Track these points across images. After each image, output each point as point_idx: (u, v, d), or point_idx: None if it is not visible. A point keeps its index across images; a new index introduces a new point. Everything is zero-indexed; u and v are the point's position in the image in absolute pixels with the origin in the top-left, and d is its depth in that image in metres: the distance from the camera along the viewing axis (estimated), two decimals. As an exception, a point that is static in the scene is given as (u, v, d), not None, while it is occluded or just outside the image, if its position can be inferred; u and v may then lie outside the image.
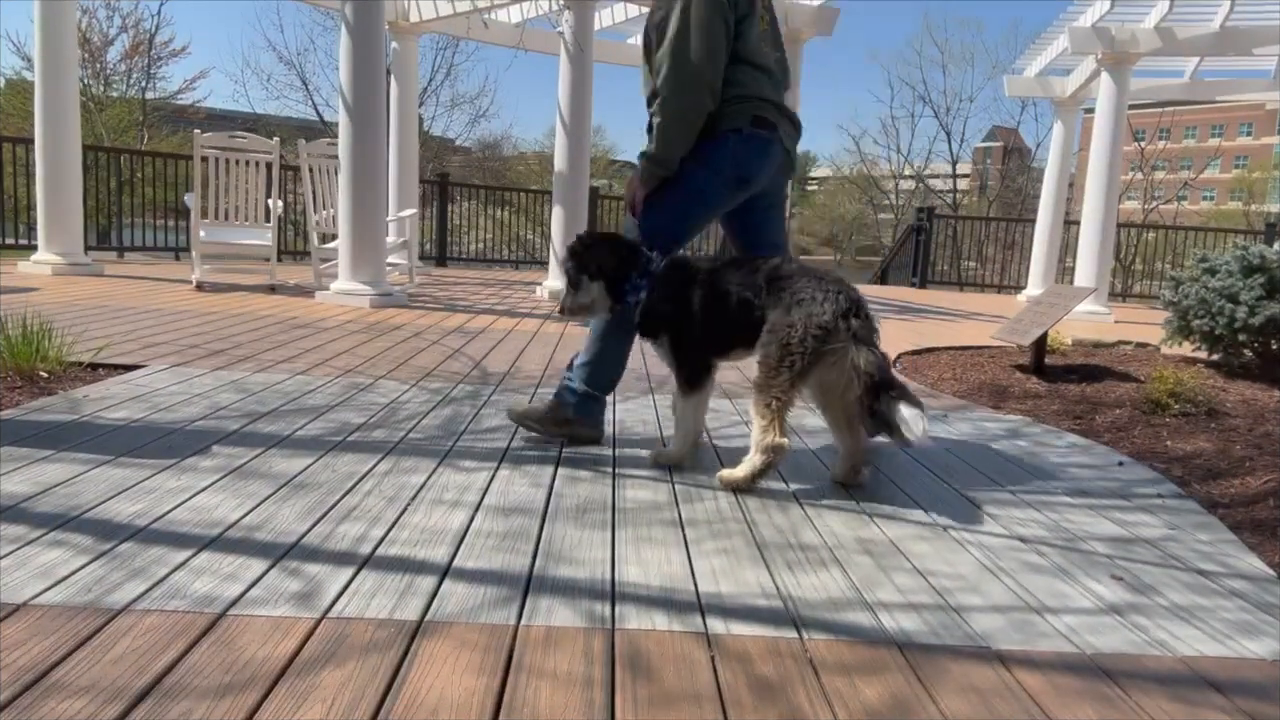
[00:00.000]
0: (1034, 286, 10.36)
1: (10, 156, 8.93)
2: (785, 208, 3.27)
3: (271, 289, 7.02)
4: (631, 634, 1.61)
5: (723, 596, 1.80)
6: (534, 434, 2.94)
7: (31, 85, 8.60)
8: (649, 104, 2.84)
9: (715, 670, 1.50)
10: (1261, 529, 2.45)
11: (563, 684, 1.43)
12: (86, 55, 23.08)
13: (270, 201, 7.23)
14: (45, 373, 3.35)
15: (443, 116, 24.06)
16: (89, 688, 1.33)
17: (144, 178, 10.90)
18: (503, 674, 1.45)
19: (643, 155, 2.82)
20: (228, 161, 7.03)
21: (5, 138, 9.31)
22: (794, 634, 1.65)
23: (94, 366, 3.57)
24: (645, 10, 9.58)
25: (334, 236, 7.12)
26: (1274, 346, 4.86)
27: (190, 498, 2.16)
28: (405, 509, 2.19)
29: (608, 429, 3.13)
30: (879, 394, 2.47)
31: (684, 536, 2.13)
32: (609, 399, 3.04)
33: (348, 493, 2.28)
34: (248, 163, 7.13)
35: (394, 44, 9.31)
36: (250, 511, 2.09)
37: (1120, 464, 3.10)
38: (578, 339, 4.76)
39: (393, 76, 9.28)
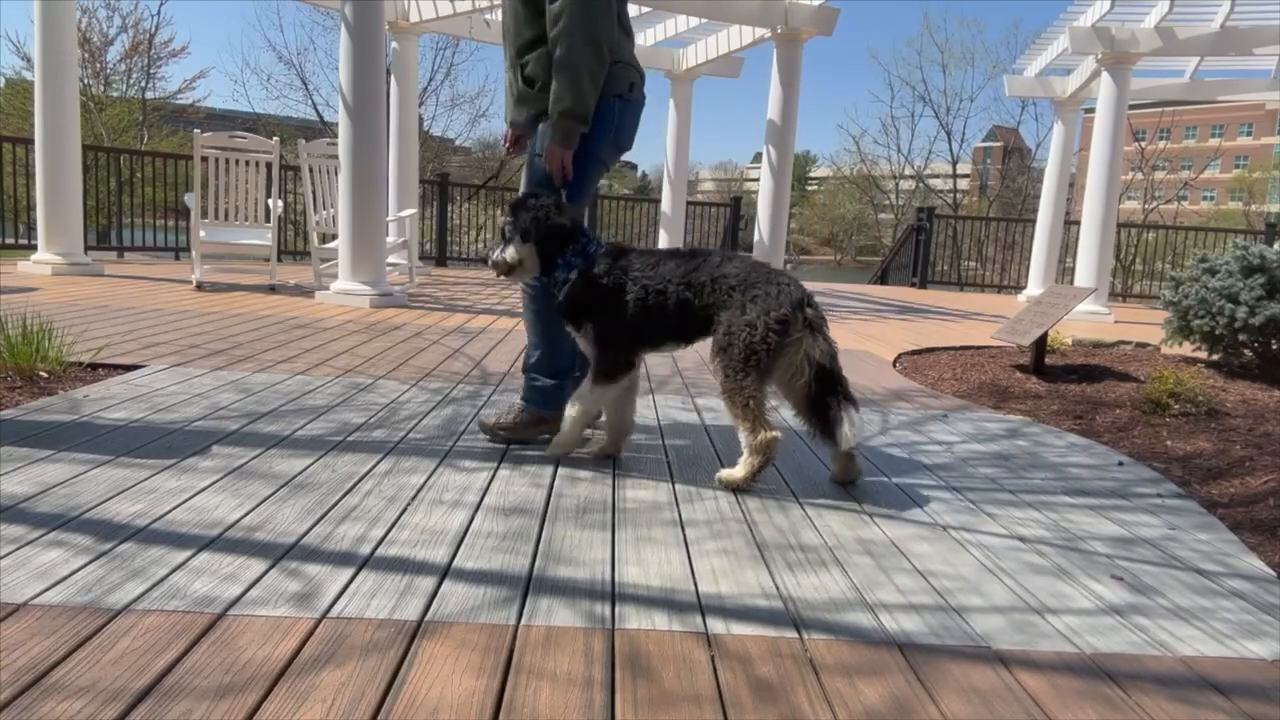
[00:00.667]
0: (1034, 286, 10.37)
1: (10, 156, 8.93)
2: None
3: (271, 289, 7.01)
4: (631, 634, 1.61)
5: (723, 597, 1.80)
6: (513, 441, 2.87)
7: (31, 85, 8.60)
8: (522, 53, 2.77)
9: (715, 671, 1.50)
10: (1261, 529, 2.45)
11: (563, 684, 1.43)
12: (86, 55, 23.08)
13: (270, 201, 7.22)
14: (45, 373, 3.35)
15: (443, 116, 24.10)
16: (89, 688, 1.33)
17: (144, 178, 10.90)
18: (503, 674, 1.45)
19: (561, 114, 2.65)
20: (228, 161, 7.03)
21: (5, 138, 9.31)
22: (794, 634, 1.65)
23: (94, 366, 3.57)
24: (646, 11, 9.60)
25: (334, 236, 7.12)
26: (1274, 346, 4.86)
27: (190, 498, 2.16)
28: (405, 509, 2.19)
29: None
30: (827, 384, 2.51)
31: (684, 536, 2.13)
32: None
33: (347, 493, 2.28)
34: (248, 163, 7.13)
35: (394, 44, 9.31)
36: (250, 512, 2.09)
37: (1120, 464, 3.10)
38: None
39: (393, 76, 9.27)
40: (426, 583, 1.77)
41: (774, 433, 2.48)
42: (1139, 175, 30.95)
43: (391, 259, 7.43)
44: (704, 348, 2.61)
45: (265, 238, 7.14)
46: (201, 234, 6.84)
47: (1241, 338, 4.81)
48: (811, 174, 61.77)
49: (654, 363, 4.63)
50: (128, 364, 3.68)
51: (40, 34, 6.95)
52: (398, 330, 5.24)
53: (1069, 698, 1.48)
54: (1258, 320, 4.68)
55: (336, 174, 6.81)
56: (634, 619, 1.67)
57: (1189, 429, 3.65)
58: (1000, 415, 3.85)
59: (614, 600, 1.75)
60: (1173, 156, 35.80)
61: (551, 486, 2.46)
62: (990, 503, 2.55)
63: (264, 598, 1.65)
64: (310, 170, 7.32)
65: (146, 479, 2.28)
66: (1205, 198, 50.38)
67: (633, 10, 10.27)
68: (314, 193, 7.39)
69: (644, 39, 10.95)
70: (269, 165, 7.34)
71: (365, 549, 1.92)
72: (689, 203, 12.75)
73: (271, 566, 1.79)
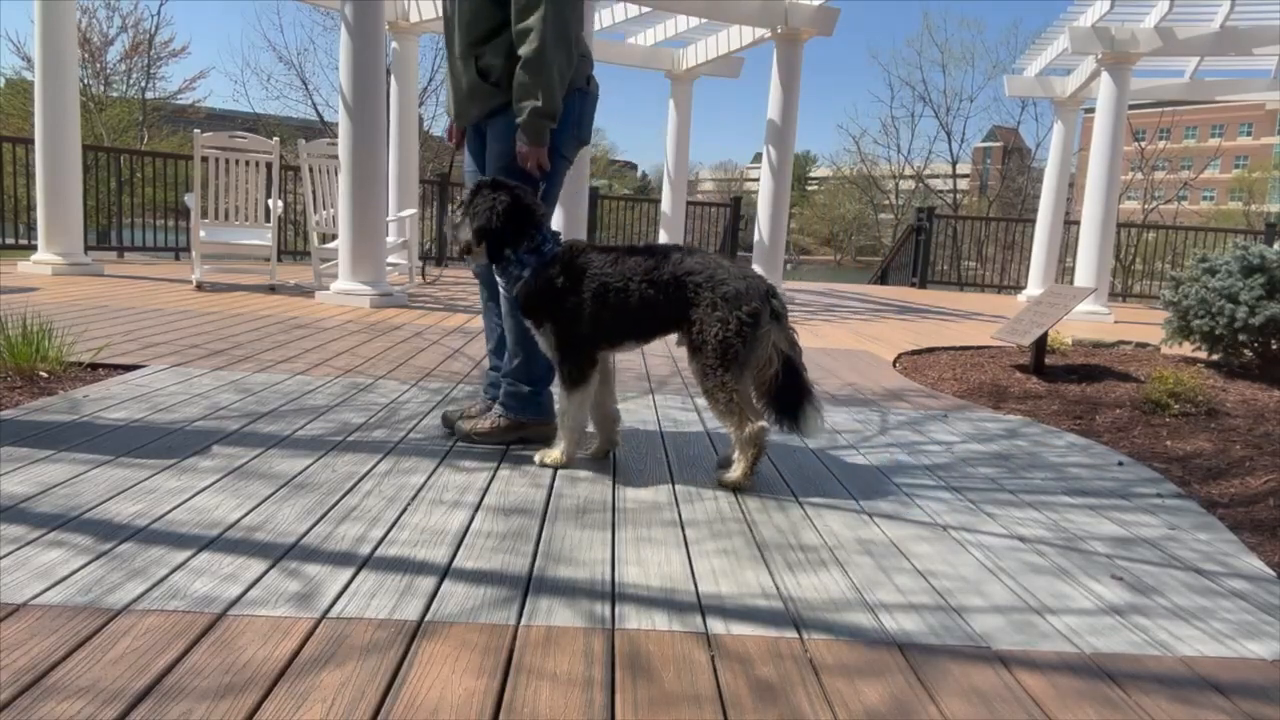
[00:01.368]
0: (1034, 286, 10.37)
1: (10, 156, 8.93)
2: None
3: (271, 289, 7.01)
4: (631, 634, 1.61)
5: (723, 597, 1.80)
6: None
7: (31, 85, 8.60)
8: (477, 45, 2.71)
9: (715, 671, 1.50)
10: (1261, 529, 2.45)
11: (563, 685, 1.43)
12: (86, 55, 23.10)
13: (270, 201, 7.22)
14: (45, 373, 3.35)
15: (443, 116, 24.07)
16: (88, 688, 1.33)
17: (144, 178, 10.90)
18: (502, 675, 1.45)
19: (532, 112, 2.60)
20: (228, 161, 7.03)
21: (5, 138, 9.30)
22: (794, 634, 1.65)
23: (94, 366, 3.57)
24: (646, 11, 9.60)
25: (334, 236, 7.12)
26: (1274, 346, 4.86)
27: (190, 498, 2.16)
28: (405, 509, 2.19)
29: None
30: (791, 374, 2.53)
31: (684, 536, 2.13)
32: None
33: (347, 493, 2.28)
34: (248, 163, 7.12)
35: (394, 44, 9.30)
36: (250, 512, 2.09)
37: (1120, 464, 3.10)
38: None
39: (393, 76, 9.27)
40: (426, 583, 1.77)
41: (761, 423, 2.51)
42: (1139, 175, 30.95)
43: (391, 259, 7.43)
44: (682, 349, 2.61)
45: (265, 238, 7.14)
46: (201, 234, 6.83)
47: (1241, 338, 4.81)
48: (811, 174, 61.75)
49: (654, 363, 4.63)
50: (128, 364, 3.68)
51: (40, 34, 6.95)
52: (398, 330, 5.24)
53: (1069, 698, 1.48)
54: (1258, 320, 4.68)
55: (336, 174, 6.81)
56: (634, 619, 1.67)
57: (1189, 429, 3.65)
58: (1000, 415, 3.85)
59: (614, 600, 1.75)
60: (1173, 156, 35.80)
61: (551, 486, 2.46)
62: (990, 503, 2.55)
63: (264, 598, 1.65)
64: (310, 170, 7.32)
65: (146, 479, 2.28)
66: (1205, 198, 50.38)
67: (633, 10, 10.27)
68: (314, 193, 7.39)
69: (644, 39, 10.95)
70: (269, 165, 7.34)
71: (365, 549, 1.92)
72: (689, 203, 12.75)
73: (271, 566, 1.79)
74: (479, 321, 5.88)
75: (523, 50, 2.60)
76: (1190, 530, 2.41)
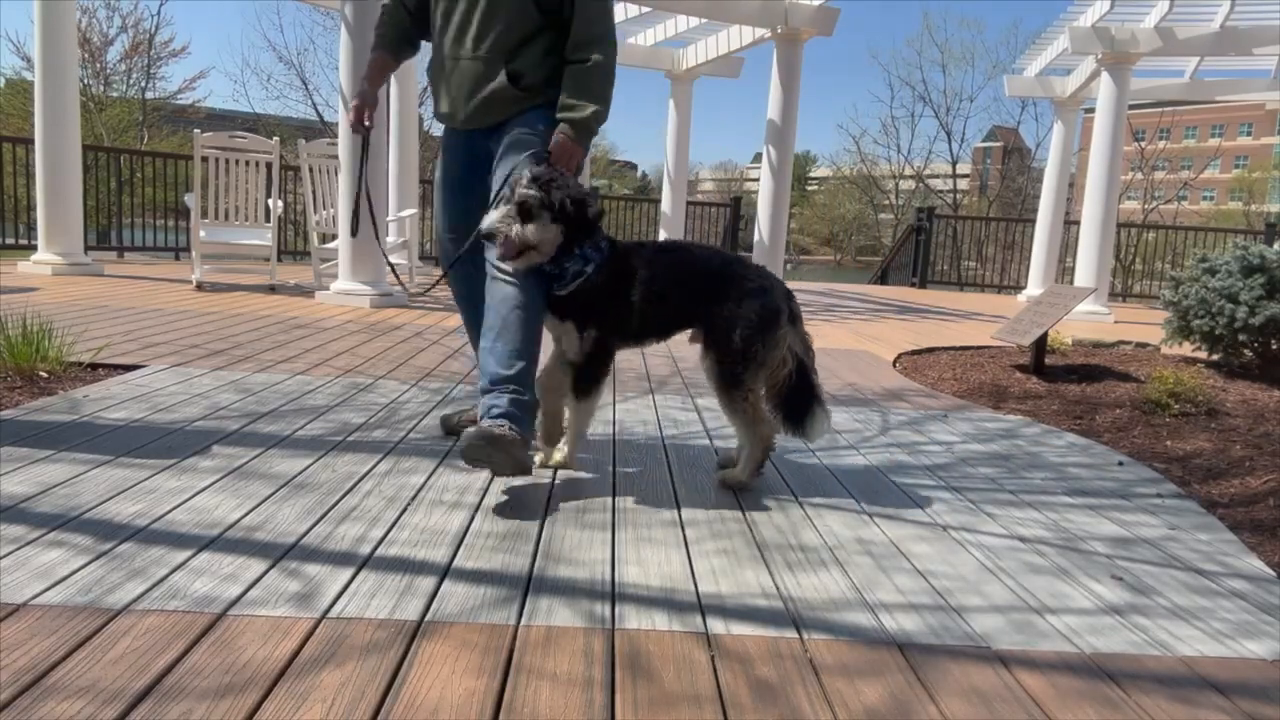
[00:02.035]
0: (1034, 286, 10.36)
1: (10, 156, 8.93)
2: None
3: (271, 289, 7.01)
4: (631, 634, 1.61)
5: (723, 597, 1.80)
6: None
7: (31, 85, 8.60)
8: (515, 48, 2.59)
9: (715, 671, 1.50)
10: (1261, 529, 2.45)
11: (563, 685, 1.43)
12: (86, 55, 23.10)
13: (270, 201, 7.22)
14: (45, 373, 3.35)
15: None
16: (88, 688, 1.33)
17: (144, 178, 10.89)
18: (502, 675, 1.45)
19: (595, 117, 2.55)
20: (228, 161, 7.02)
21: (5, 138, 9.30)
22: (794, 634, 1.65)
23: (94, 366, 3.57)
24: (646, 11, 9.60)
25: (334, 236, 7.11)
26: (1274, 346, 4.86)
27: (190, 498, 2.16)
28: (405, 509, 2.19)
29: (606, 429, 3.14)
30: (803, 376, 2.52)
31: (684, 536, 2.13)
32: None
33: (347, 493, 2.28)
34: (248, 163, 7.12)
35: (394, 44, 9.29)
36: (250, 512, 2.09)
37: (1120, 464, 3.10)
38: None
39: (393, 76, 9.27)
40: (426, 583, 1.77)
41: (769, 426, 2.50)
42: (1139, 175, 30.96)
43: (391, 259, 7.43)
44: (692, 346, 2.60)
45: (265, 238, 7.14)
46: (201, 234, 6.83)
47: (1241, 338, 4.81)
48: (811, 174, 61.73)
49: (654, 363, 4.63)
50: (128, 364, 3.68)
51: (40, 34, 6.95)
52: (398, 330, 5.24)
53: (1069, 698, 1.48)
54: (1258, 320, 4.68)
55: (336, 174, 6.80)
56: (634, 619, 1.67)
57: (1189, 429, 3.65)
58: (1000, 415, 3.85)
59: (614, 600, 1.75)
60: (1173, 156, 35.80)
61: (551, 487, 2.46)
62: (990, 503, 2.55)
63: (264, 598, 1.65)
64: (310, 170, 7.31)
65: (146, 479, 2.28)
66: (1205, 198, 50.38)
67: (633, 10, 10.28)
68: (314, 193, 7.39)
69: (644, 39, 10.95)
70: (269, 165, 7.34)
71: (365, 549, 1.92)
72: (689, 203, 12.75)
73: (271, 566, 1.79)
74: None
75: (596, 55, 2.57)
76: (1190, 530, 2.41)
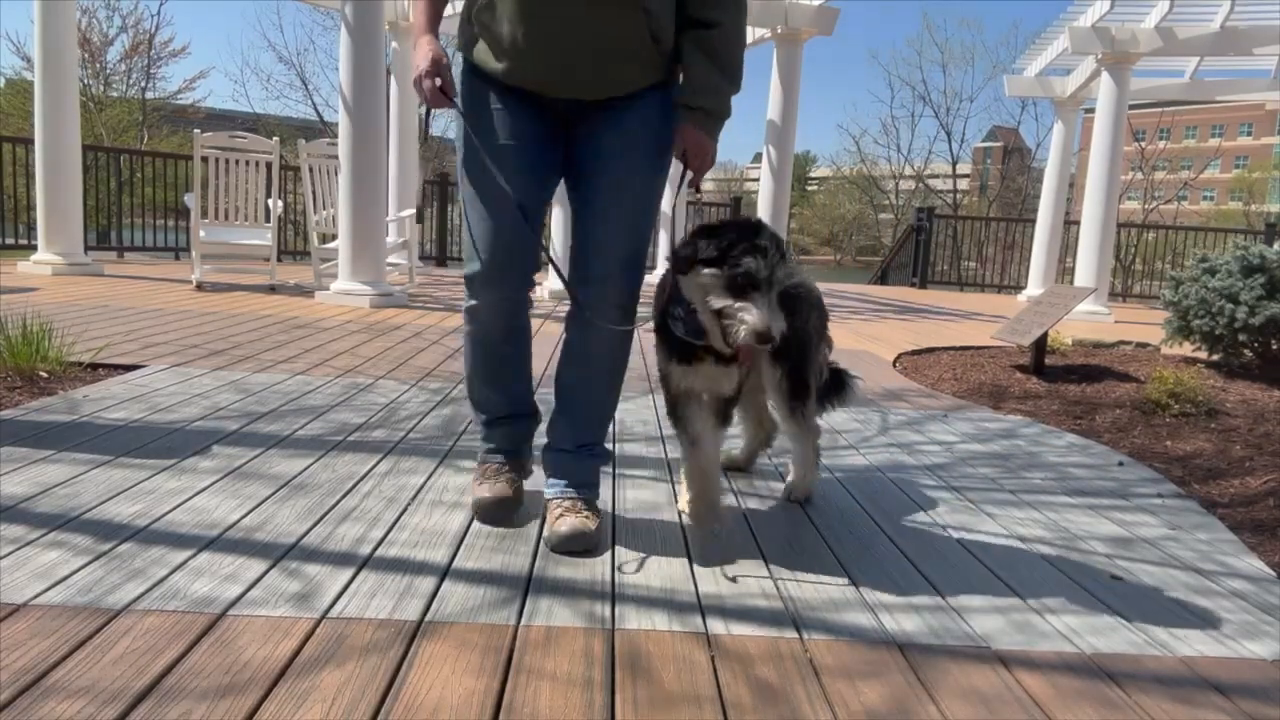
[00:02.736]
0: (1034, 286, 10.36)
1: (10, 156, 8.93)
2: None
3: (271, 289, 7.01)
4: (631, 634, 1.61)
5: (723, 597, 1.80)
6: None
7: (31, 85, 8.60)
8: None
9: (715, 671, 1.50)
10: (1261, 529, 2.45)
11: (562, 685, 1.43)
12: (86, 55, 23.10)
13: (270, 201, 7.22)
14: (45, 373, 3.35)
15: (443, 116, 24.11)
16: (88, 688, 1.32)
17: (144, 178, 10.90)
18: (502, 675, 1.45)
19: (728, 101, 2.01)
20: (228, 161, 7.02)
21: (5, 138, 9.31)
22: (794, 634, 1.65)
23: (94, 366, 3.57)
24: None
25: (334, 236, 7.11)
26: (1274, 346, 4.86)
27: (190, 498, 2.16)
28: (405, 510, 2.19)
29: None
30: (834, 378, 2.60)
31: (684, 536, 2.13)
32: None
33: (347, 493, 2.28)
34: (248, 163, 7.12)
35: (394, 44, 9.31)
36: (250, 512, 2.09)
37: (1120, 464, 3.10)
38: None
39: (393, 76, 9.27)
40: (426, 583, 1.77)
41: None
42: (1139, 175, 30.95)
43: (391, 259, 7.43)
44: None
45: (265, 238, 7.14)
46: (201, 234, 6.83)
47: (1241, 338, 4.81)
48: (811, 174, 61.74)
49: (654, 362, 4.63)
50: (128, 364, 3.67)
51: (40, 34, 6.95)
52: (398, 330, 5.24)
53: (1069, 698, 1.48)
54: (1258, 320, 4.68)
55: (336, 174, 6.80)
56: (634, 619, 1.67)
57: (1189, 429, 3.65)
58: (1000, 415, 3.85)
59: (614, 600, 1.75)
60: (1173, 156, 35.80)
61: (551, 487, 2.46)
62: (990, 503, 2.55)
63: (264, 598, 1.65)
64: (310, 170, 7.31)
65: (146, 479, 2.28)
66: (1205, 198, 50.37)
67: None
68: (314, 193, 7.39)
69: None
70: (269, 165, 7.33)
71: (365, 549, 1.92)
72: (689, 203, 12.70)
73: (271, 567, 1.79)
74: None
75: (730, 15, 1.97)
76: (1190, 530, 2.41)
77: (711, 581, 1.87)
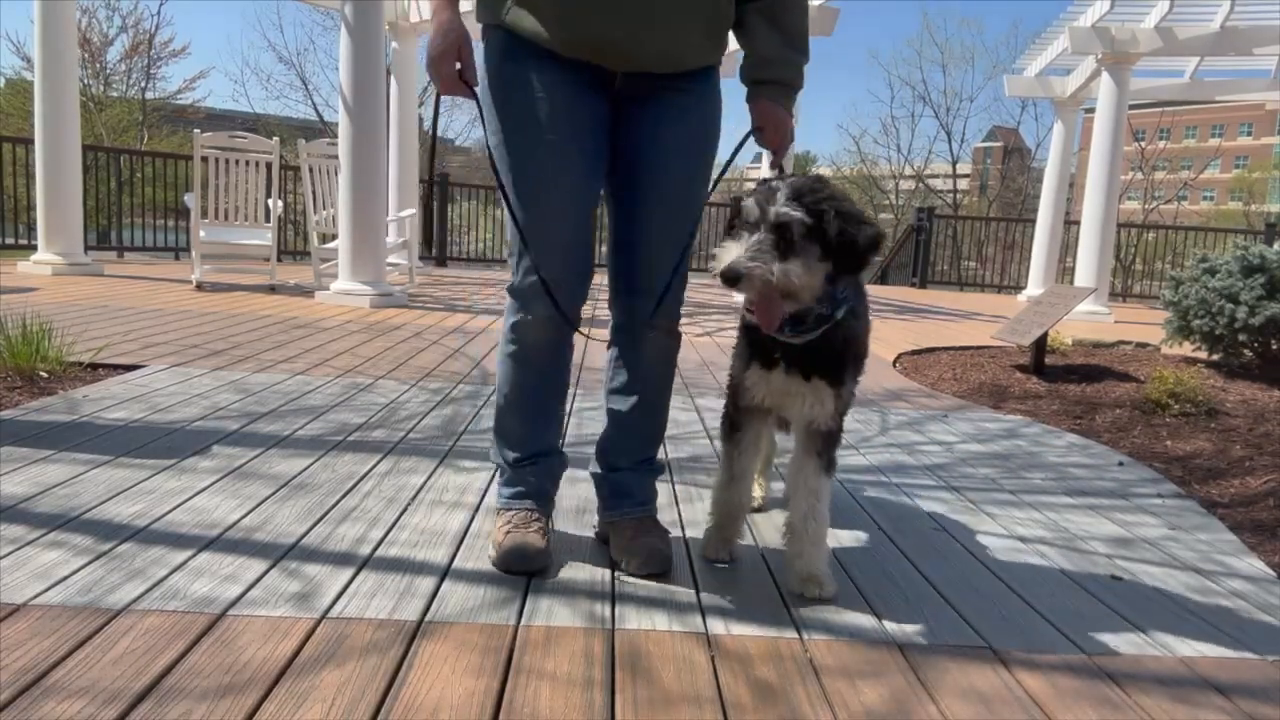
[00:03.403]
0: (1034, 286, 10.36)
1: (10, 156, 8.93)
2: None
3: (271, 289, 7.01)
4: (631, 634, 1.61)
5: (723, 597, 1.80)
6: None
7: (31, 85, 8.60)
8: None
9: (715, 671, 1.50)
10: (1261, 529, 2.45)
11: (562, 685, 1.43)
12: (86, 55, 23.09)
13: (270, 201, 7.22)
14: (45, 373, 3.35)
15: (443, 116, 24.08)
16: (88, 688, 1.32)
17: (144, 178, 10.90)
18: (502, 675, 1.44)
19: (799, 64, 1.88)
20: (228, 161, 7.02)
21: (5, 138, 9.30)
22: (794, 635, 1.65)
23: (94, 366, 3.57)
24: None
25: (334, 236, 7.11)
26: (1274, 346, 4.86)
27: (189, 498, 2.16)
28: (405, 510, 2.19)
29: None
30: None
31: (684, 536, 2.12)
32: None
33: (347, 493, 2.28)
34: (248, 163, 7.12)
35: (394, 44, 9.31)
36: (250, 512, 2.09)
37: (1120, 464, 3.10)
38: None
39: (393, 76, 9.27)
40: (426, 583, 1.77)
41: None
42: (1139, 175, 30.95)
43: (391, 259, 7.43)
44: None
45: (265, 238, 7.14)
46: (201, 234, 6.83)
47: (1241, 338, 4.81)
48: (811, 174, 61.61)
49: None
50: (127, 364, 3.67)
51: (40, 34, 6.95)
52: (398, 330, 5.24)
53: (1069, 698, 1.48)
54: (1258, 320, 4.68)
55: (336, 174, 6.80)
56: (634, 619, 1.67)
57: (1189, 429, 3.64)
58: (1000, 415, 3.85)
59: (614, 600, 1.75)
60: (1173, 156, 35.79)
61: (551, 487, 2.46)
62: (990, 503, 2.55)
63: (264, 598, 1.65)
64: (310, 170, 7.31)
65: (146, 479, 2.28)
66: (1205, 198, 50.37)
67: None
68: (314, 193, 7.38)
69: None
70: (269, 165, 7.33)
71: (365, 549, 1.92)
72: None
73: (271, 567, 1.79)
74: (479, 321, 5.88)
75: None
76: (1190, 530, 2.41)
77: (711, 581, 1.87)
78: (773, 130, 1.87)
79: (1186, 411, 3.86)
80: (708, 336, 5.68)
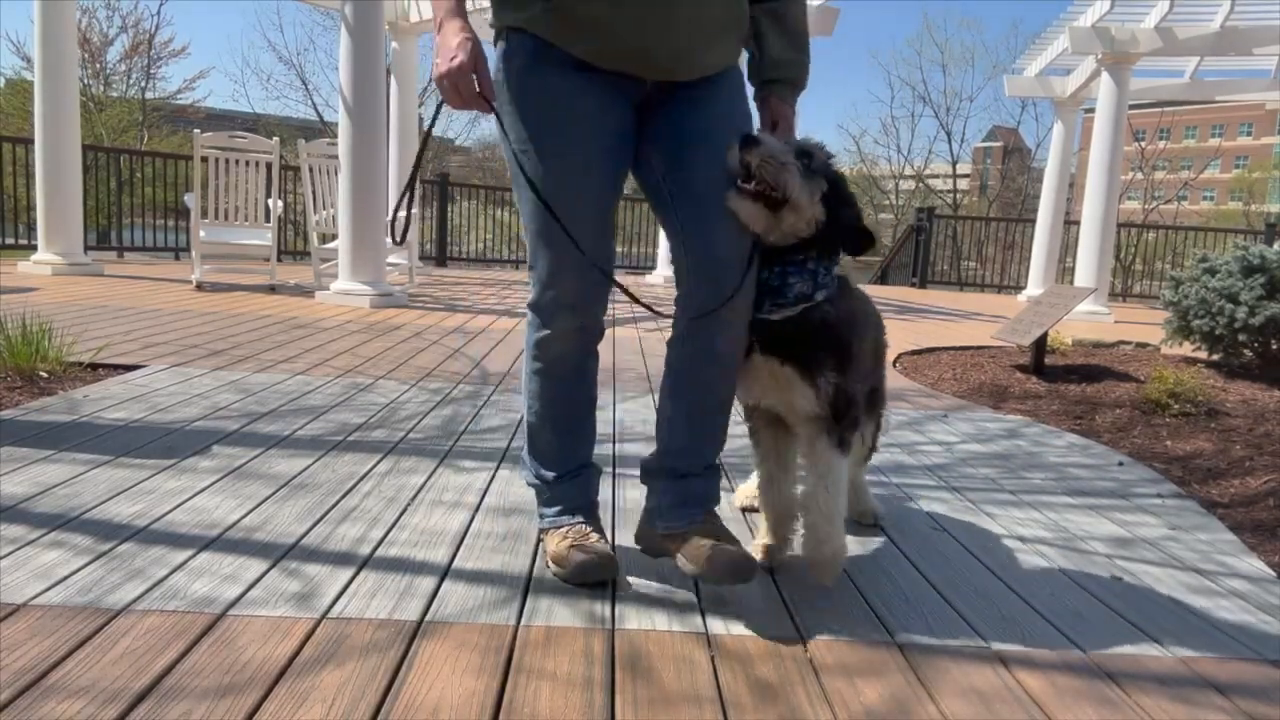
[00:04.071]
0: (1034, 286, 10.36)
1: (10, 156, 8.93)
2: None
3: (271, 289, 7.01)
4: (631, 634, 1.61)
5: (723, 596, 1.80)
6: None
7: (31, 85, 8.60)
8: None
9: (715, 671, 1.50)
10: (1261, 529, 2.45)
11: (562, 685, 1.43)
12: (86, 55, 23.09)
13: (270, 201, 7.22)
14: (45, 373, 3.35)
15: (443, 116, 24.06)
16: (88, 688, 1.32)
17: (144, 178, 10.91)
18: (502, 675, 1.45)
19: (804, 64, 1.95)
20: (228, 161, 7.02)
21: (5, 138, 9.31)
22: (794, 634, 1.65)
23: (94, 366, 3.57)
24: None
25: (334, 236, 7.11)
26: (1274, 346, 4.86)
27: (190, 498, 2.16)
28: (405, 510, 2.19)
29: (607, 429, 3.14)
30: None
31: (684, 537, 2.12)
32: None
33: (347, 493, 2.28)
34: (248, 163, 7.12)
35: (394, 44, 9.31)
36: (250, 512, 2.09)
37: (1120, 464, 3.10)
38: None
39: (393, 76, 9.28)
40: (426, 583, 1.77)
41: None
42: (1139, 175, 30.95)
43: (391, 259, 7.43)
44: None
45: (265, 238, 7.14)
46: (201, 234, 6.83)
47: (1241, 338, 4.81)
48: (811, 174, 61.55)
49: (654, 364, 4.63)
50: (127, 364, 3.67)
51: (40, 34, 6.95)
52: (398, 330, 5.24)
53: (1069, 698, 1.48)
54: (1258, 320, 4.68)
55: (336, 174, 6.80)
56: (634, 619, 1.67)
57: (1189, 429, 3.64)
58: (1000, 415, 3.85)
59: (614, 600, 1.75)
60: (1173, 156, 35.80)
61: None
62: (990, 503, 2.55)
63: (264, 598, 1.65)
64: (310, 170, 7.31)
65: (146, 479, 2.28)
66: (1205, 198, 50.36)
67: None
68: (314, 193, 7.39)
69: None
70: (269, 165, 7.33)
71: (365, 549, 1.92)
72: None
73: (271, 567, 1.79)
74: (479, 321, 5.88)
75: None
76: (1190, 530, 2.41)
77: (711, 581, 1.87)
78: (784, 127, 1.92)
79: (1186, 411, 3.86)
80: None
